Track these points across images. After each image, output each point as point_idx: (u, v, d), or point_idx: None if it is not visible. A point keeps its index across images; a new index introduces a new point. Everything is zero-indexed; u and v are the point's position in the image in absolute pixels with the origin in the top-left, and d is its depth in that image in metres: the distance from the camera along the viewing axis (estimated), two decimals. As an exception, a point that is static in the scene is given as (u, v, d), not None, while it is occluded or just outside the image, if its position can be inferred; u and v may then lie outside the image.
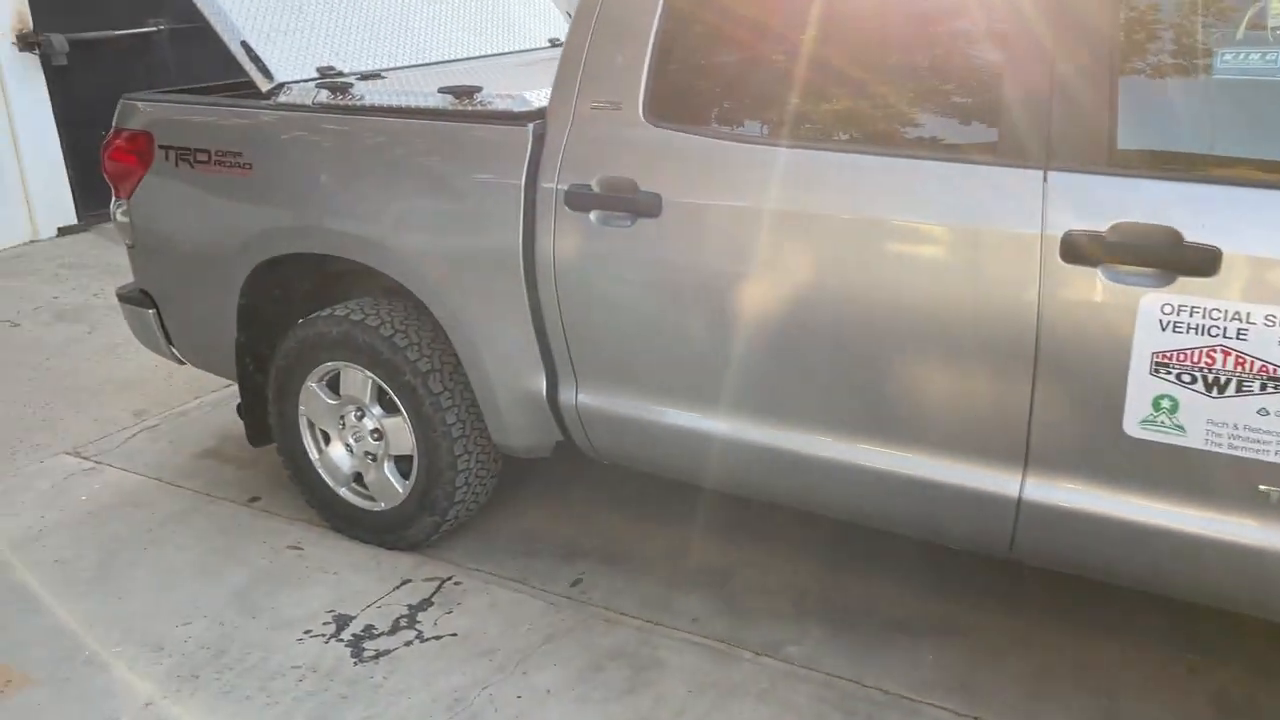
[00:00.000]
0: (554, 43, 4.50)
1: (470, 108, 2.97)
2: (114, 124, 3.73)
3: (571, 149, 2.78)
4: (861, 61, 2.51)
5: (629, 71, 2.70)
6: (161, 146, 3.56)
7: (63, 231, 7.13)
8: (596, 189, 2.73)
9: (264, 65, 3.36)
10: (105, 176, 3.75)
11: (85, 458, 4.33)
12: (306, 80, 3.43)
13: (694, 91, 2.74)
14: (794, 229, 2.48)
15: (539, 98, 2.93)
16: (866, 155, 2.44)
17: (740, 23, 2.67)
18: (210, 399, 4.86)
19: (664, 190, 2.64)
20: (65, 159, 7.10)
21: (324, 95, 3.25)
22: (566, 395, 2.99)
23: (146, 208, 3.65)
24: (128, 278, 3.98)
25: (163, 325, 3.83)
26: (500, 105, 2.94)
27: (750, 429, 2.69)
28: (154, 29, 7.40)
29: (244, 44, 3.38)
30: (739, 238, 2.54)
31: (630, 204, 2.68)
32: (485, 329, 3.03)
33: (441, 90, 3.03)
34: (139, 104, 3.66)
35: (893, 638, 2.99)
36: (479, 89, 2.98)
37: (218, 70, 8.11)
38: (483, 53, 4.14)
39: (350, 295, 3.71)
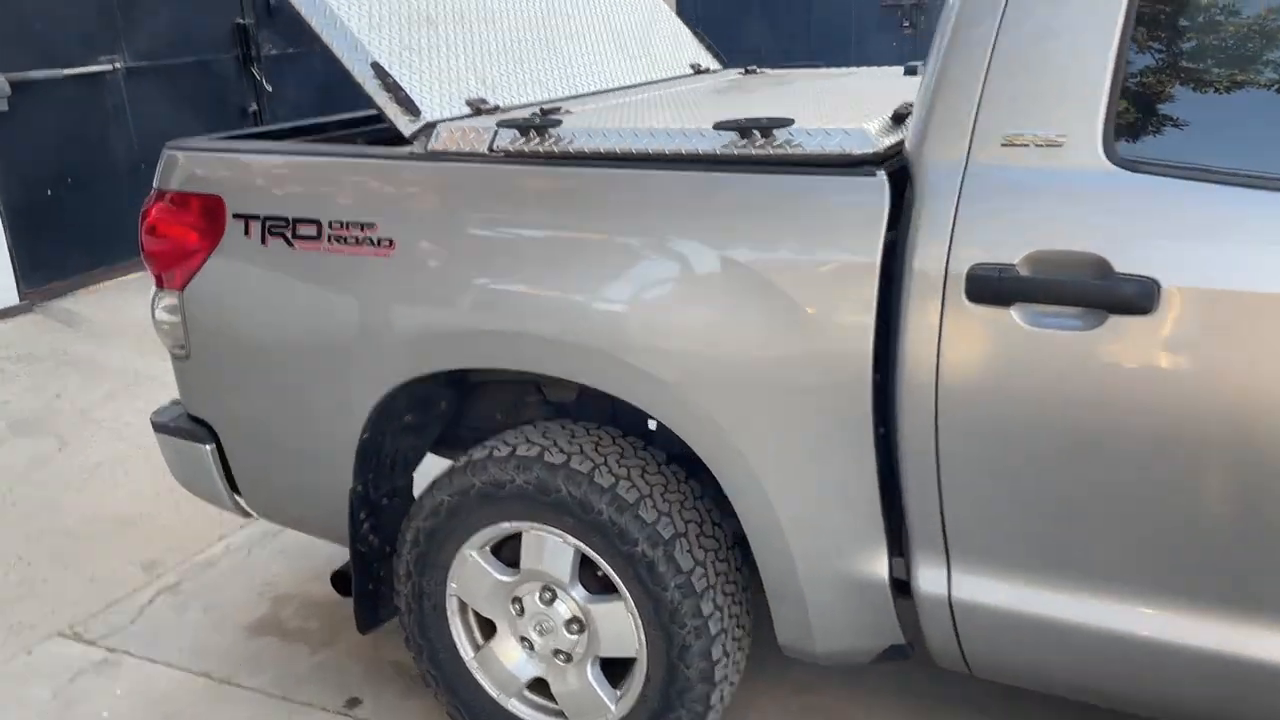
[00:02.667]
0: (696, 69, 3.51)
1: (772, 150, 1.95)
2: (155, 184, 2.62)
3: (970, 209, 1.79)
4: None
5: (1077, 86, 1.73)
6: (238, 216, 2.46)
7: (2, 315, 5.83)
8: (1027, 271, 1.73)
9: (407, 97, 2.30)
10: (144, 258, 2.63)
11: (91, 642, 3.14)
12: (470, 116, 2.38)
13: (1199, 115, 1.76)
14: None
15: (879, 132, 1.93)
16: None
17: None
18: (239, 538, 3.70)
19: (1162, 272, 1.65)
20: (4, 224, 5.82)
21: (508, 137, 2.19)
22: (929, 581, 1.97)
23: (210, 303, 2.54)
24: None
25: (225, 467, 2.70)
26: (815, 145, 1.92)
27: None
28: (108, 68, 6.19)
29: (375, 66, 2.31)
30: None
31: (1099, 294, 1.70)
32: (786, 479, 2.01)
33: (719, 127, 2.00)
34: (196, 153, 2.56)
35: None
36: (786, 121, 1.96)
37: (188, 116, 6.97)
38: (633, 81, 3.13)
39: (500, 416, 2.65)
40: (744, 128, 1.98)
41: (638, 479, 2.25)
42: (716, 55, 3.69)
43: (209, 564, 3.56)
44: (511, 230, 2.17)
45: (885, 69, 3.28)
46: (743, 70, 3.52)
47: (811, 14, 8.88)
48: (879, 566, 2.02)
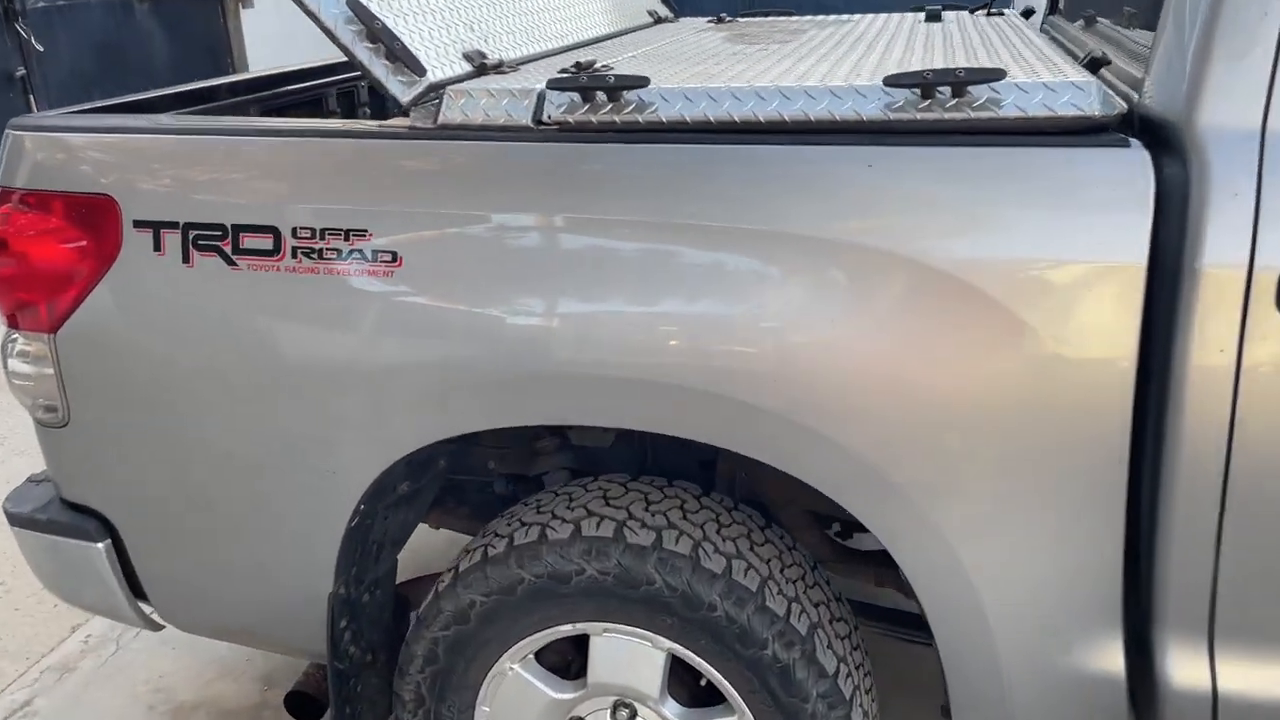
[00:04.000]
0: (655, 17, 2.93)
1: (972, 113, 1.42)
2: (-1, 181, 1.82)
3: (1277, 189, 1.32)
4: None
5: None
6: (143, 224, 1.72)
7: None
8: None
9: (405, 49, 1.63)
10: (-14, 288, 1.84)
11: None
12: (474, 74, 1.73)
13: None
14: None
15: (1098, 91, 1.43)
16: None
17: None
18: (98, 627, 2.89)
19: None
20: None
21: (562, 104, 1.57)
22: (1184, 674, 1.52)
23: (101, 349, 1.79)
24: None
25: (127, 568, 1.95)
26: (1034, 104, 1.41)
27: None
28: None
29: (356, 5, 1.62)
30: None
31: None
32: (996, 555, 1.51)
33: (892, 82, 1.45)
34: (63, 135, 1.79)
35: None
36: (994, 74, 1.43)
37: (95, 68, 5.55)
38: (607, 31, 2.52)
39: (495, 465, 2.04)
40: (929, 83, 1.43)
41: (752, 556, 1.69)
42: (668, 2, 3.10)
43: (65, 668, 2.74)
44: (592, 236, 1.54)
45: (892, 15, 2.79)
46: (714, 19, 2.96)
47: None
48: (1112, 659, 1.55)
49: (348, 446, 1.69)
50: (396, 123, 1.68)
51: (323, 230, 1.63)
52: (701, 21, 2.96)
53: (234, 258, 1.68)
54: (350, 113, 2.88)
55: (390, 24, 1.63)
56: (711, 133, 1.53)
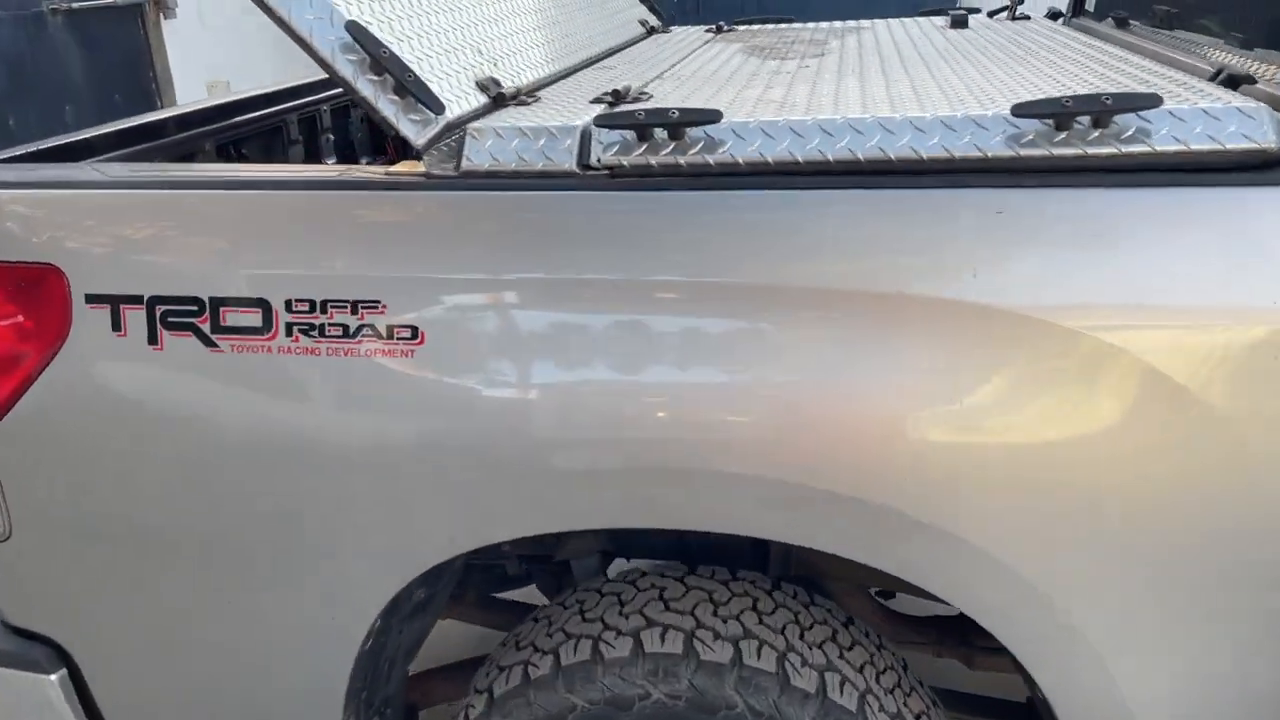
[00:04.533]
0: (649, 26, 2.67)
1: (1122, 148, 1.19)
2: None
3: None
4: None
5: None
6: (97, 299, 1.41)
7: None
8: None
9: (418, 80, 1.34)
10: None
11: None
12: (491, 107, 1.45)
13: None
14: None
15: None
16: None
17: None
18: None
19: None
20: None
21: (612, 144, 1.30)
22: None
23: (47, 448, 1.48)
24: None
25: (88, 705, 1.64)
26: (1195, 136, 1.18)
27: None
28: None
29: (355, 29, 1.33)
30: None
31: None
32: (1156, 663, 1.27)
33: (1020, 111, 1.21)
34: None
35: None
36: (1147, 100, 1.19)
37: None
38: (608, 46, 2.25)
39: (508, 546, 1.77)
40: (1068, 112, 1.19)
41: (844, 665, 1.44)
42: (655, 10, 2.84)
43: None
44: (668, 306, 1.28)
45: (905, 21, 2.56)
46: (712, 29, 2.70)
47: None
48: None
49: (362, 560, 1.41)
50: (407, 169, 1.39)
51: (324, 302, 1.34)
52: (698, 31, 2.71)
53: (213, 337, 1.38)
54: (312, 141, 2.57)
55: (398, 51, 1.35)
56: (798, 175, 1.27)
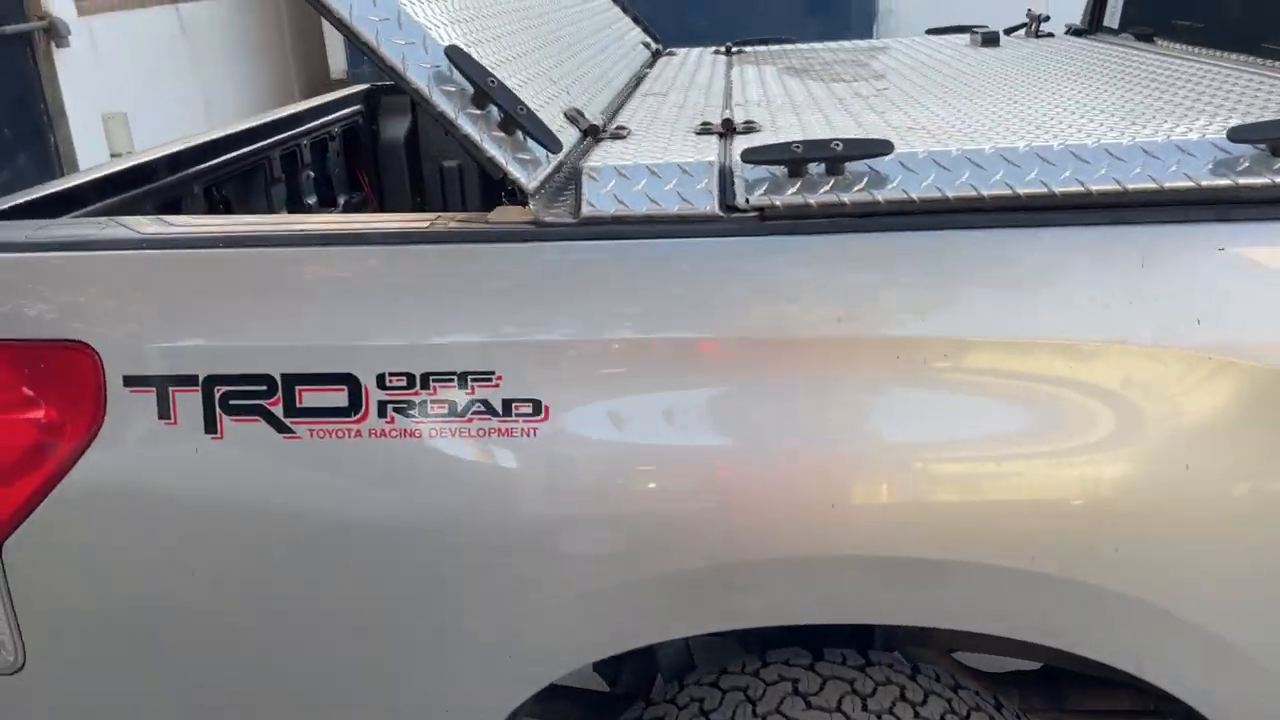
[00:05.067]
0: (653, 49, 2.51)
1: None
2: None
3: None
4: None
5: None
6: (138, 382, 1.17)
7: None
8: None
9: (532, 115, 1.15)
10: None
11: None
12: (585, 142, 1.26)
13: None
14: None
15: None
16: None
17: None
18: None
19: None
20: None
21: (763, 181, 1.13)
22: None
23: (72, 563, 1.23)
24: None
25: None
26: None
27: None
28: None
29: (456, 54, 1.13)
30: None
31: None
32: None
33: (1238, 135, 1.08)
34: None
35: None
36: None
37: None
38: (632, 71, 2.09)
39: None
40: (1289, 137, 1.07)
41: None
42: (650, 32, 2.68)
43: None
44: (841, 363, 1.11)
45: (932, 38, 2.45)
46: (720, 50, 2.55)
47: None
48: None
49: (471, 681, 1.20)
50: (508, 216, 1.19)
51: (425, 376, 1.14)
52: (705, 54, 2.55)
53: (287, 422, 1.16)
54: (294, 176, 2.33)
55: (508, 79, 1.15)
56: (980, 213, 1.12)
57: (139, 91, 7.32)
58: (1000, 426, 1.09)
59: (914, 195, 1.12)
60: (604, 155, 1.23)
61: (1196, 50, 2.03)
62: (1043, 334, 1.09)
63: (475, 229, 1.18)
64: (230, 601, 1.22)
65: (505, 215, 1.20)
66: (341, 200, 2.60)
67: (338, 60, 8.47)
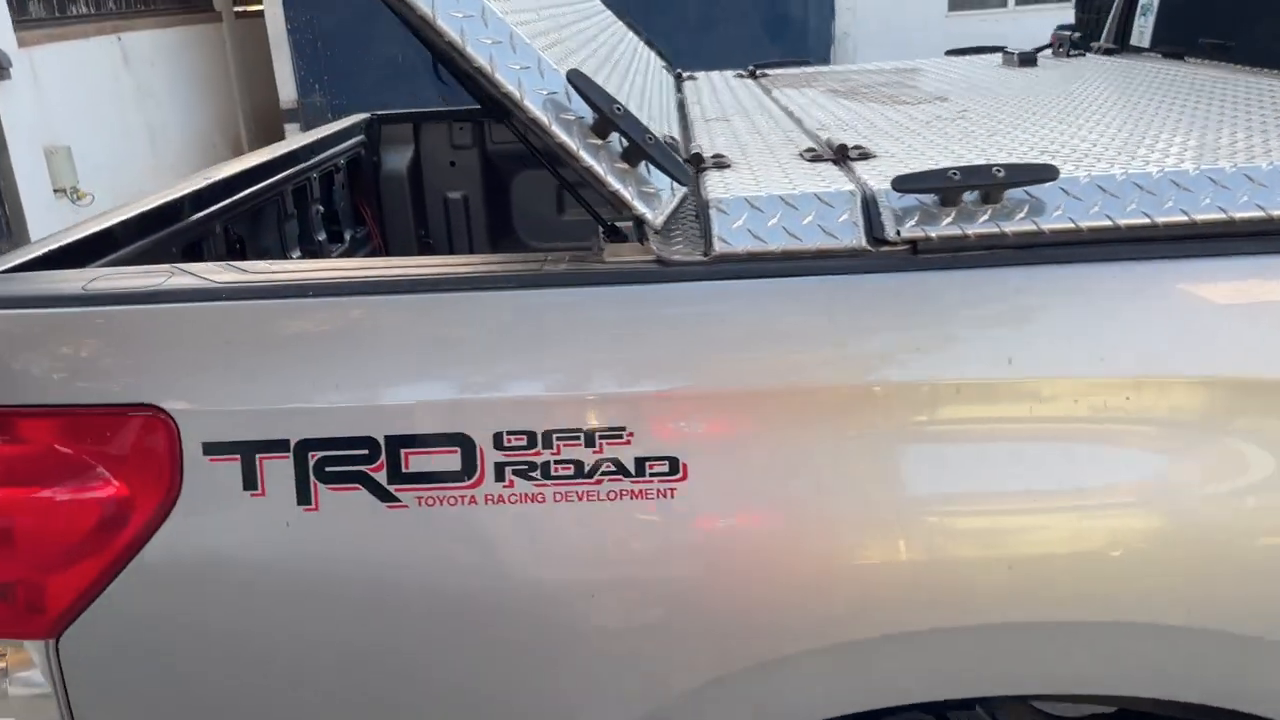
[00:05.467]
0: (675, 73, 2.42)
1: None
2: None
3: None
4: None
5: None
6: (220, 450, 1.04)
7: None
8: None
9: (663, 149, 1.04)
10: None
11: None
12: (712, 168, 1.16)
13: None
14: None
15: None
16: None
17: None
18: None
19: None
20: None
21: (913, 212, 1.04)
22: None
23: (143, 659, 1.09)
24: None
25: None
26: None
27: None
28: None
29: (579, 79, 1.02)
30: None
31: None
32: None
33: None
34: (50, 313, 1.08)
35: None
36: None
37: None
38: (678, 98, 2.00)
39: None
40: None
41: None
42: (664, 56, 2.59)
43: None
44: (1047, 427, 1.01)
45: (957, 59, 2.39)
46: (743, 73, 2.46)
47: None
48: None
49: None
50: (625, 255, 1.09)
51: (548, 435, 1.02)
52: (727, 77, 2.46)
53: (392, 489, 1.03)
54: (304, 211, 2.20)
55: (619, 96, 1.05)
56: (1151, 243, 1.04)
57: (82, 123, 7.07)
58: (1196, 469, 1.00)
59: (1081, 224, 1.03)
60: (722, 186, 1.13)
61: (1243, 67, 1.98)
62: (1243, 371, 1.00)
63: (594, 270, 1.07)
64: (325, 687, 1.09)
65: (621, 253, 1.09)
66: (348, 235, 2.46)
67: (287, 90, 8.29)
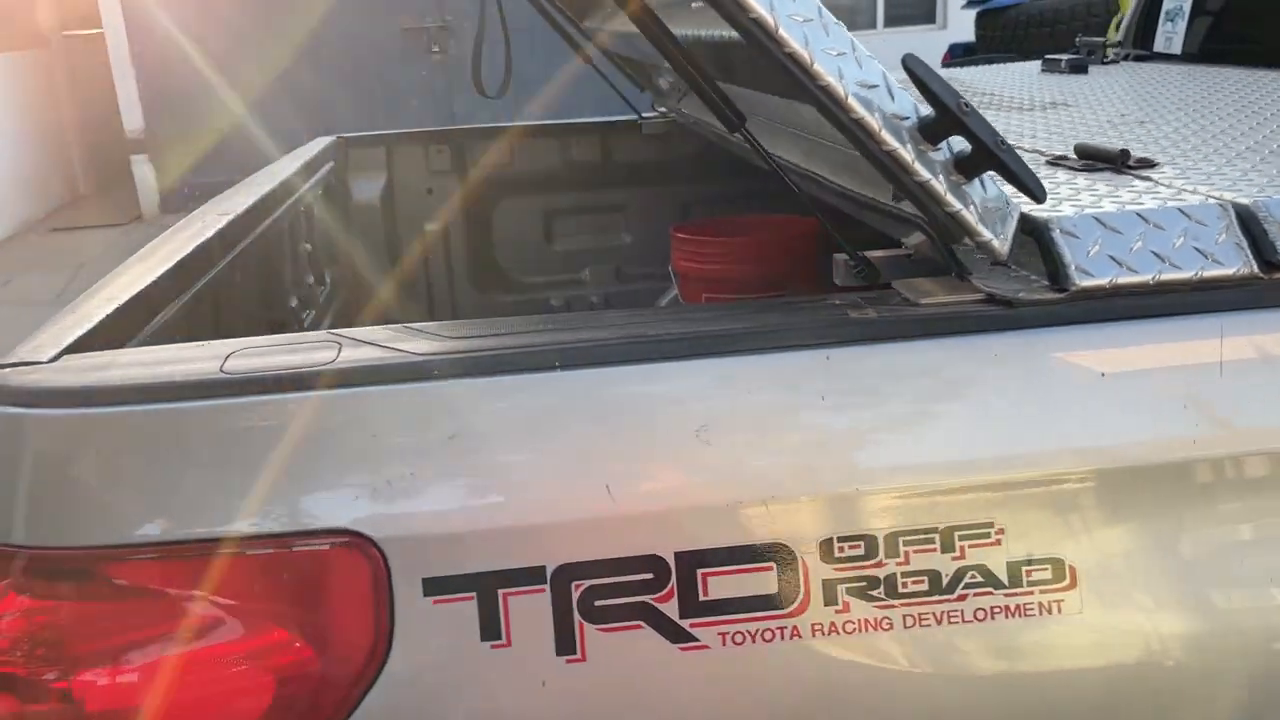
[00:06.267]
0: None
1: None
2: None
3: None
4: None
5: None
6: (448, 587, 0.74)
7: None
8: None
9: (1022, 164, 0.79)
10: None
11: None
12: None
13: None
14: None
15: None
16: None
17: None
18: None
19: None
20: None
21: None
22: None
23: None
24: None
25: None
26: None
27: None
28: None
29: (910, 66, 0.77)
30: None
31: None
32: None
33: None
34: (199, 407, 0.76)
35: None
36: None
37: None
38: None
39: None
40: None
41: None
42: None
43: None
44: None
45: (1005, 65, 2.23)
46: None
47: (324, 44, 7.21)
48: None
49: None
50: (943, 296, 0.84)
51: (893, 537, 0.76)
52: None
53: (685, 625, 0.76)
54: (295, 249, 1.86)
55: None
56: None
57: (45, 150, 6.26)
58: None
59: None
60: (1056, 206, 0.90)
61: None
62: None
63: (918, 316, 0.82)
64: None
65: (937, 294, 0.84)
66: (327, 276, 2.12)
67: (133, 118, 7.65)
